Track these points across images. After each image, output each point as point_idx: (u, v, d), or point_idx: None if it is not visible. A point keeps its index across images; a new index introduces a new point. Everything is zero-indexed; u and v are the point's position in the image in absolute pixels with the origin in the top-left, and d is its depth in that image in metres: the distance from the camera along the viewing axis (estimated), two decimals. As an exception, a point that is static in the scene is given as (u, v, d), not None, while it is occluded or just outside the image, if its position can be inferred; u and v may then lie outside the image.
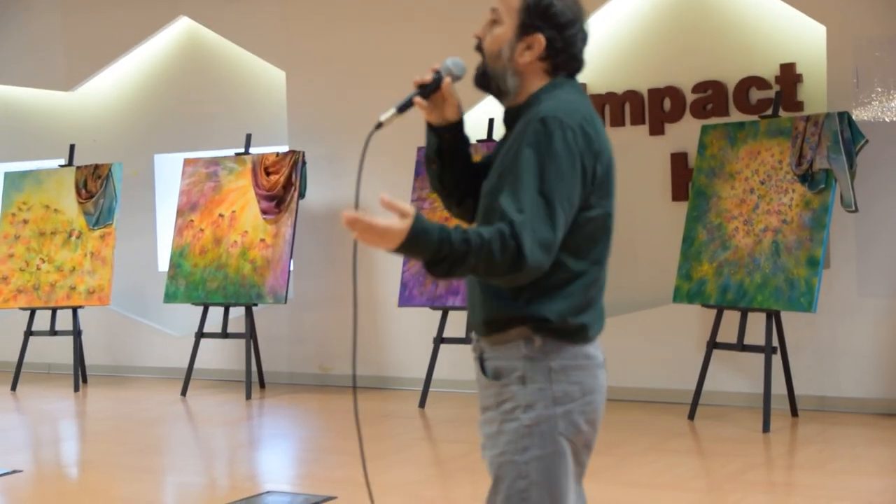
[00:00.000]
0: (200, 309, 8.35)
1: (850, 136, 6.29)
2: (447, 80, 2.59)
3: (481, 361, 2.57)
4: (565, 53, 2.51)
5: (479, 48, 2.55)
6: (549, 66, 2.51)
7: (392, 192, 2.54)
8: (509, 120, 2.56)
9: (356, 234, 2.24)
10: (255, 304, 8.16)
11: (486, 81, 2.55)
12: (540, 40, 2.48)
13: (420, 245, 2.26)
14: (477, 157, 2.68)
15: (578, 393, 2.46)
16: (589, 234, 2.45)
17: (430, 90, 2.59)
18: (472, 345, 2.64)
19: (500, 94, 2.55)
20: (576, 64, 2.55)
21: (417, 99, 2.56)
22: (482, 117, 7.49)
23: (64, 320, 9.00)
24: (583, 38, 2.54)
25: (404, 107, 2.56)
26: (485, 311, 2.50)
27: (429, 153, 2.68)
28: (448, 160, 2.65)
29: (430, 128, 2.65)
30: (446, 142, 2.64)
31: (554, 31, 2.48)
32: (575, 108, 2.43)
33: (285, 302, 8.06)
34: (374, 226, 2.23)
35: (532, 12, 2.48)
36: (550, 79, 2.52)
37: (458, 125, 2.64)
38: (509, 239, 2.28)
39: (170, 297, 8.45)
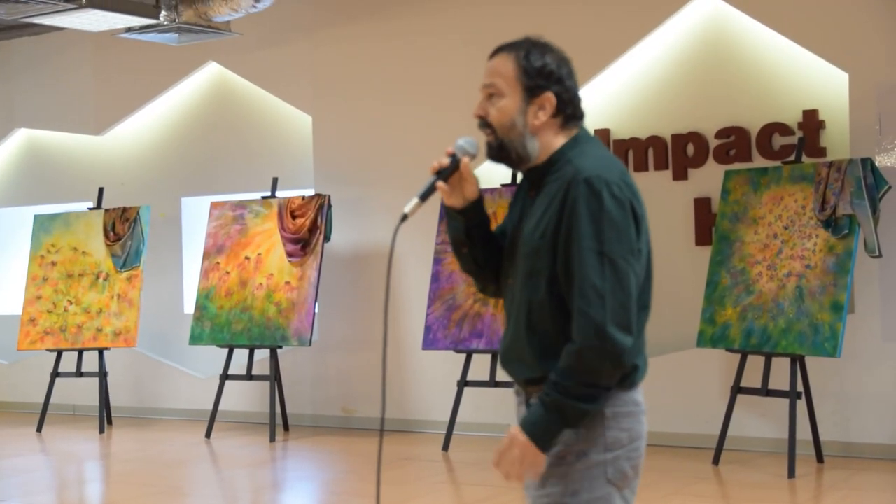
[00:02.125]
0: (225, 351, 8.40)
1: (873, 181, 6.30)
2: (465, 159, 2.60)
3: (527, 406, 2.58)
4: (570, 101, 2.56)
5: (486, 124, 2.57)
6: (562, 119, 2.56)
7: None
8: (535, 179, 2.59)
9: (508, 475, 2.45)
10: (280, 347, 8.20)
11: (504, 153, 2.57)
12: (550, 98, 2.53)
13: (548, 432, 2.41)
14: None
15: (627, 439, 2.50)
16: (637, 283, 2.48)
17: (448, 173, 2.59)
18: (514, 388, 2.66)
19: (519, 162, 2.58)
20: (580, 110, 2.60)
21: (440, 184, 2.58)
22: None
23: (90, 362, 9.06)
24: (575, 83, 2.60)
25: (427, 194, 2.57)
26: (532, 370, 2.53)
27: (458, 237, 2.68)
28: (477, 239, 2.67)
29: (453, 211, 2.65)
30: (473, 220, 2.65)
31: (558, 85, 2.54)
32: (611, 163, 2.50)
33: (310, 344, 8.10)
34: (513, 461, 2.42)
35: (532, 75, 2.52)
36: (563, 130, 2.57)
37: (479, 202, 2.66)
38: (599, 349, 2.37)
39: (195, 339, 8.51)
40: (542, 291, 2.48)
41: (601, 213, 2.41)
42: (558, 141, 2.56)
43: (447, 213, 2.68)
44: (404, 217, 2.54)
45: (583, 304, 2.39)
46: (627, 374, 2.47)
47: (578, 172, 2.45)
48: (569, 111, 2.56)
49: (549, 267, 2.48)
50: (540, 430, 2.41)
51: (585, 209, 2.41)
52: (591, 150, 2.54)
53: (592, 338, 2.37)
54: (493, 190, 7.51)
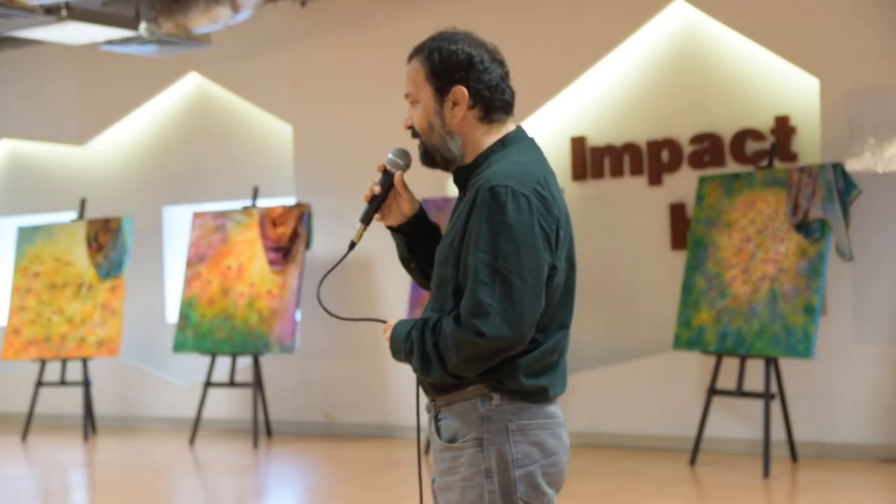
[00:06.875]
0: (208, 359, 8.46)
1: (843, 186, 6.43)
2: (398, 174, 2.53)
3: (436, 422, 2.46)
4: (488, 90, 2.41)
5: (415, 133, 2.49)
6: (481, 110, 2.42)
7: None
8: (460, 181, 2.47)
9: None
10: (263, 354, 8.27)
11: (431, 158, 2.46)
12: (461, 91, 2.40)
13: (398, 350, 2.46)
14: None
15: (539, 454, 2.36)
16: (552, 301, 2.36)
17: (384, 195, 2.53)
18: (426, 405, 2.53)
19: (447, 164, 2.46)
20: (504, 96, 2.43)
21: (378, 216, 2.54)
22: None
23: (74, 371, 9.10)
24: (497, 68, 2.44)
25: (367, 218, 2.53)
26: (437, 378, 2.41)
27: (402, 254, 2.56)
28: (423, 253, 2.54)
29: (393, 229, 2.56)
30: (415, 236, 2.53)
31: (470, 74, 2.40)
32: (527, 172, 2.33)
33: (292, 351, 8.17)
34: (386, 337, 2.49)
35: (440, 71, 2.41)
36: (491, 125, 2.43)
37: (420, 214, 2.54)
38: (467, 329, 2.28)
39: (178, 347, 8.56)
40: (450, 304, 2.36)
41: (501, 226, 2.25)
42: (487, 139, 2.42)
43: (390, 231, 2.59)
44: (352, 245, 2.53)
45: (467, 317, 2.26)
46: (532, 392, 2.35)
47: (487, 180, 2.31)
48: (486, 100, 2.40)
49: (455, 278, 2.34)
50: (396, 343, 2.46)
51: (486, 219, 2.26)
52: (513, 155, 2.38)
53: (473, 336, 2.26)
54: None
